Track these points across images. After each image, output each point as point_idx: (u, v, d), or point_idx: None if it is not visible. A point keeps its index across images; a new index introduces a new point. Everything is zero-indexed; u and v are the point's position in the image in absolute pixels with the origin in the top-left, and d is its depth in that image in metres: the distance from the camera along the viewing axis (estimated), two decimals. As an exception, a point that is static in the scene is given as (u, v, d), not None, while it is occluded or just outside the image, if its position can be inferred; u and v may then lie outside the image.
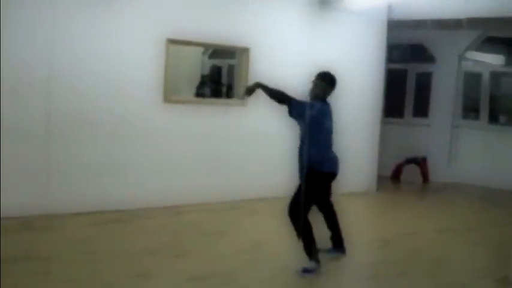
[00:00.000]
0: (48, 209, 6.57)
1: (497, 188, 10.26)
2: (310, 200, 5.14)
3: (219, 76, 11.13)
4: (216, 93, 10.50)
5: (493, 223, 8.05)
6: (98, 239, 5.95)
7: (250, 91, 5.33)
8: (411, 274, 5.46)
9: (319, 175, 5.17)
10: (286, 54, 8.36)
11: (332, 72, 5.31)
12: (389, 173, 11.03)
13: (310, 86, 5.28)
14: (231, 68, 10.54)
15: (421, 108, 11.39)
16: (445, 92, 10.99)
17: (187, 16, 7.48)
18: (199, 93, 10.30)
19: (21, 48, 6.37)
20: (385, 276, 5.34)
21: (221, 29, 7.74)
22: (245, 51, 8.07)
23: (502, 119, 11.07)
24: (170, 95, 7.55)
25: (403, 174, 11.02)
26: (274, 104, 5.34)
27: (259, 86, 5.21)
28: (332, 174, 5.32)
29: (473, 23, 9.21)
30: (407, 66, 11.60)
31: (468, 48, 10.86)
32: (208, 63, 11.28)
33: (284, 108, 5.21)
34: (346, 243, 5.73)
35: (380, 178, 9.95)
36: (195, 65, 11.08)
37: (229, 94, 10.19)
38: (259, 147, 8.18)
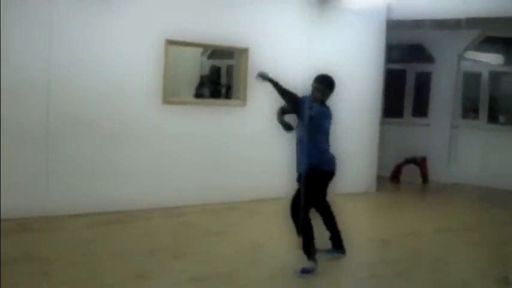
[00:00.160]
0: (47, 210, 6.57)
1: (497, 188, 10.26)
2: (311, 199, 5.16)
3: (218, 77, 11.13)
4: (215, 94, 10.50)
5: (493, 223, 8.05)
6: (97, 240, 5.95)
7: (263, 77, 5.18)
8: (411, 274, 5.46)
9: (319, 174, 5.19)
10: (285, 54, 8.36)
11: (330, 74, 5.30)
12: (389, 173, 11.03)
13: (310, 89, 5.26)
14: (230, 69, 10.54)
15: (421, 108, 11.39)
16: (445, 92, 10.99)
17: (186, 17, 7.48)
18: (198, 94, 10.30)
19: (20, 49, 6.37)
20: (384, 276, 5.34)
21: (220, 30, 7.74)
22: (244, 51, 8.07)
23: (501, 118, 11.07)
24: (169, 96, 7.55)
25: (402, 174, 11.02)
26: (277, 102, 5.32)
27: (270, 80, 5.09)
28: (331, 173, 5.33)
29: (472, 22, 9.21)
30: (407, 66, 11.60)
31: (467, 48, 10.87)
32: (208, 63, 11.28)
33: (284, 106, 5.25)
34: (346, 243, 5.72)
35: (379, 178, 9.96)
36: (194, 66, 11.08)
37: (228, 95, 10.18)
38: (259, 148, 8.17)
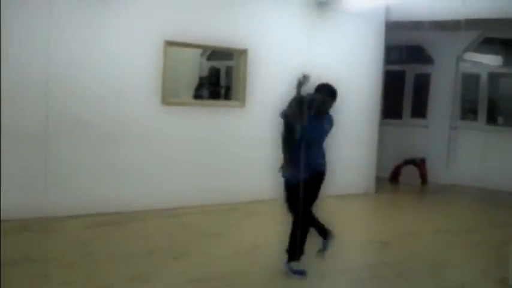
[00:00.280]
0: (46, 211, 6.56)
1: (496, 189, 10.26)
2: (313, 199, 5.13)
3: (217, 78, 11.13)
4: (214, 95, 10.50)
5: (492, 224, 8.05)
6: (96, 241, 5.95)
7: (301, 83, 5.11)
8: (410, 275, 5.45)
9: (319, 174, 5.17)
10: (284, 55, 8.36)
11: (331, 83, 5.13)
12: (388, 174, 11.03)
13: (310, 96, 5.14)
14: (229, 70, 10.54)
15: (419, 110, 11.39)
16: (443, 93, 10.99)
17: (185, 18, 7.48)
18: (197, 95, 10.29)
19: (19, 49, 6.36)
20: (383, 277, 5.34)
21: (219, 31, 7.74)
22: (243, 52, 8.06)
23: (500, 120, 11.07)
24: (168, 97, 7.54)
25: (401, 175, 11.03)
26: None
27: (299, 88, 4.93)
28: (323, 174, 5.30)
29: (471, 24, 9.22)
30: (406, 67, 11.60)
31: (466, 50, 10.88)
32: (207, 65, 11.28)
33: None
34: (346, 244, 5.71)
35: (378, 179, 9.96)
36: (193, 67, 11.08)
37: (227, 96, 10.18)
38: (258, 149, 8.17)
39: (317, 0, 8.59)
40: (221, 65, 11.11)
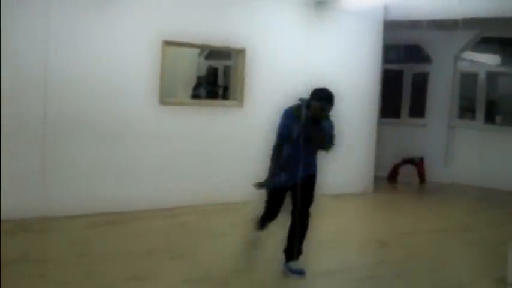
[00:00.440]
0: (45, 211, 6.55)
1: (494, 188, 10.27)
2: (309, 200, 5.12)
3: (215, 77, 11.13)
4: (212, 95, 10.50)
5: (490, 223, 8.06)
6: (94, 241, 5.94)
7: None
8: (408, 275, 5.45)
9: (311, 177, 5.15)
10: (283, 55, 8.36)
11: (327, 87, 4.95)
12: (386, 173, 11.03)
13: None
14: (227, 69, 10.54)
15: (418, 109, 11.39)
16: (442, 92, 11.00)
17: (183, 17, 7.47)
18: (195, 95, 10.29)
19: (18, 49, 6.34)
20: (382, 277, 5.34)
21: (217, 30, 7.73)
22: (241, 52, 8.05)
23: (498, 119, 11.08)
24: (166, 96, 7.54)
25: (400, 174, 11.03)
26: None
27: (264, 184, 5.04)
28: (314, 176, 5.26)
29: (469, 23, 9.22)
30: (404, 66, 11.61)
31: (464, 49, 10.88)
32: (205, 64, 11.28)
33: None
34: (344, 244, 5.71)
35: (377, 179, 9.96)
36: (191, 67, 11.07)
37: (225, 95, 10.18)
38: (256, 149, 8.15)
39: (315, 0, 8.59)
40: (219, 64, 11.11)
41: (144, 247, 5.77)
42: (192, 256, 5.58)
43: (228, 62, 9.94)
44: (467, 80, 11.15)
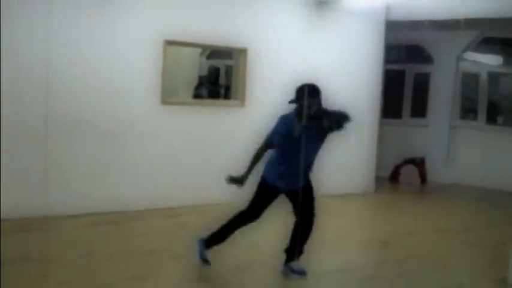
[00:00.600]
0: (45, 210, 6.55)
1: (495, 188, 10.26)
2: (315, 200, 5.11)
3: (217, 77, 11.11)
4: (214, 95, 10.49)
5: (491, 224, 8.05)
6: (95, 240, 5.94)
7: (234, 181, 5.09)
8: (410, 275, 5.45)
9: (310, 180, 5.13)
10: (284, 54, 8.36)
11: (310, 82, 4.89)
12: (388, 173, 11.02)
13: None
14: (228, 69, 10.53)
15: (419, 109, 11.38)
16: (443, 93, 10.98)
17: (184, 17, 7.47)
18: (196, 95, 10.28)
19: (20, 49, 6.35)
20: (383, 277, 5.34)
21: (219, 30, 7.73)
22: (242, 52, 8.05)
23: (499, 119, 11.07)
24: (168, 96, 7.54)
25: (401, 175, 11.02)
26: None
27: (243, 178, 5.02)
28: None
29: (470, 23, 9.20)
30: (405, 66, 11.59)
31: (466, 49, 10.86)
32: (206, 64, 11.27)
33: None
34: (345, 244, 5.70)
35: (378, 179, 9.95)
36: (193, 66, 11.07)
37: (227, 95, 10.18)
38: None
39: (317, 0, 8.59)
40: (221, 64, 11.10)
41: (145, 247, 5.77)
42: (194, 256, 5.57)
43: (230, 62, 9.95)
44: (469, 81, 11.14)
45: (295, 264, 5.10)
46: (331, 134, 4.95)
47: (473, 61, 11.27)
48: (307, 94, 4.75)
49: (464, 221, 8.11)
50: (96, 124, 6.91)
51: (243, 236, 6.45)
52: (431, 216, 8.35)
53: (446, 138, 10.97)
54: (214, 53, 10.90)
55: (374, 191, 9.71)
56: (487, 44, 10.90)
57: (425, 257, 6.05)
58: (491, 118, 11.00)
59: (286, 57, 8.34)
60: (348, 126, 4.93)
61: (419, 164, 10.94)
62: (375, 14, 9.25)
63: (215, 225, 5.20)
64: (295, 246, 5.08)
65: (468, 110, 11.30)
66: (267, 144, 4.98)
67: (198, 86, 10.61)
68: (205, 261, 5.13)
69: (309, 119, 4.75)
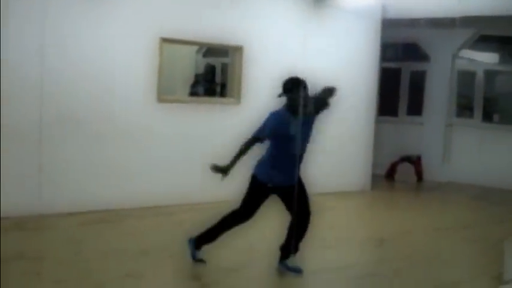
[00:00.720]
0: (40, 209, 6.52)
1: (491, 186, 10.27)
2: (306, 198, 5.10)
3: (213, 75, 11.10)
4: (210, 92, 10.47)
5: (487, 221, 8.05)
6: (89, 239, 5.92)
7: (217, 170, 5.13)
8: (407, 272, 5.44)
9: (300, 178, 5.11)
10: (280, 52, 8.34)
11: (294, 75, 4.93)
12: (384, 171, 11.02)
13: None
14: (224, 67, 10.52)
15: (415, 107, 11.39)
16: (439, 91, 10.98)
17: (180, 15, 7.45)
18: (193, 92, 10.26)
19: (13, 49, 6.30)
20: (380, 275, 5.33)
21: (215, 28, 7.71)
22: (238, 49, 8.04)
23: (495, 117, 11.09)
24: (164, 94, 7.52)
25: (397, 172, 11.02)
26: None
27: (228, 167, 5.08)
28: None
29: (467, 21, 9.22)
30: (402, 64, 11.60)
31: (462, 47, 10.86)
32: (202, 61, 11.26)
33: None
34: (342, 242, 5.69)
35: (374, 177, 9.95)
36: (189, 64, 11.06)
37: (223, 93, 10.16)
38: (253, 147, 8.12)
39: (313, -3, 8.59)
40: (217, 62, 11.09)
41: (140, 245, 5.75)
42: (189, 254, 5.55)
43: (226, 60, 9.93)
44: (465, 78, 11.15)
45: (291, 262, 5.08)
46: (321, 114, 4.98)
47: (469, 59, 11.29)
48: (296, 88, 4.79)
49: (460, 219, 8.11)
50: (91, 122, 6.88)
51: (238, 234, 6.45)
52: (428, 213, 8.36)
53: (442, 136, 10.98)
54: (211, 50, 10.88)
55: (370, 188, 9.70)
56: (483, 42, 10.91)
57: (422, 255, 6.05)
58: (487, 116, 11.02)
59: (282, 55, 8.32)
60: (334, 99, 4.94)
61: (415, 161, 10.95)
62: (371, 12, 9.24)
63: (209, 224, 5.15)
64: (291, 243, 5.06)
65: (464, 108, 11.31)
66: (254, 139, 5.01)
67: (194, 84, 10.59)
68: (199, 261, 5.10)
69: (303, 114, 4.77)
